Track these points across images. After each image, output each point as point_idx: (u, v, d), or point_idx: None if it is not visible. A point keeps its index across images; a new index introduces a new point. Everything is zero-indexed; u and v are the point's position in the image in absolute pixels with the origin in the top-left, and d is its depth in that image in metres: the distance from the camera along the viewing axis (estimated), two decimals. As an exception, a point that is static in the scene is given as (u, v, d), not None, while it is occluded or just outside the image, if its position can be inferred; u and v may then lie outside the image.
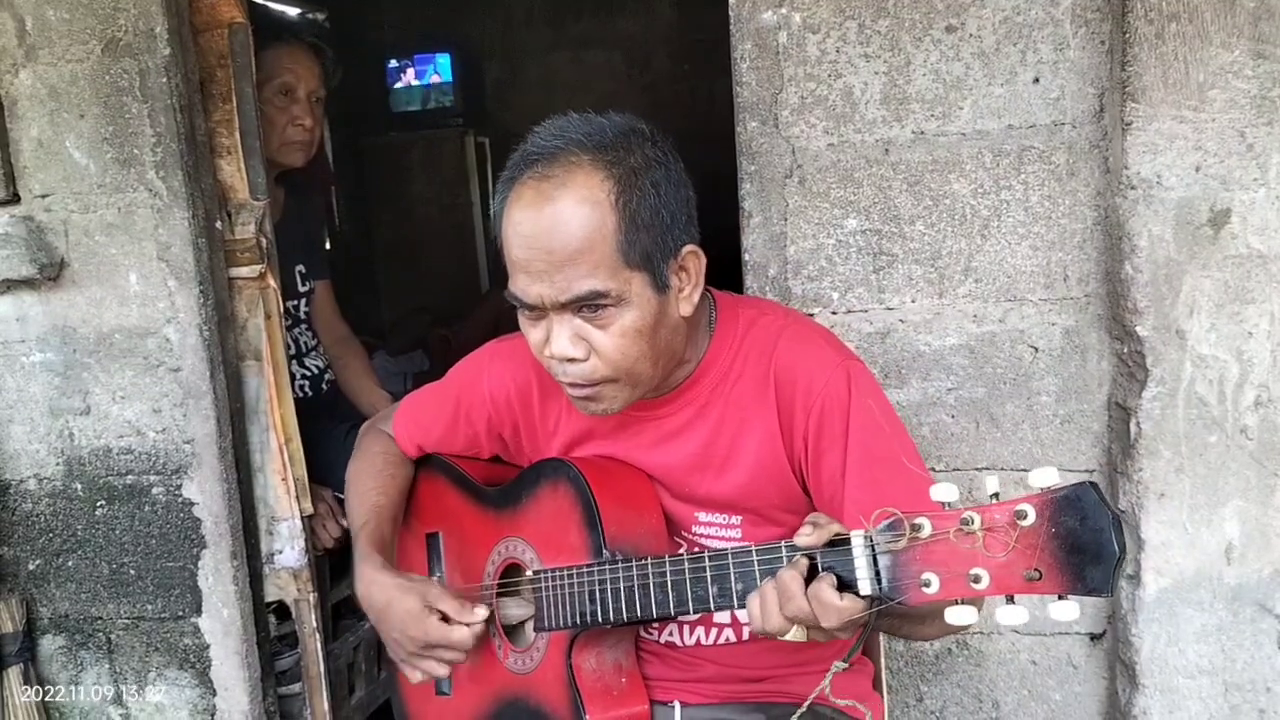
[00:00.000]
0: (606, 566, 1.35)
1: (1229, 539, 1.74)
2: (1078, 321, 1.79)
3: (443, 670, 1.42)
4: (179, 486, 2.09)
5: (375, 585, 1.45)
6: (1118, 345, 1.76)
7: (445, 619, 1.39)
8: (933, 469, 1.86)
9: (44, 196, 2.06)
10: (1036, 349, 1.81)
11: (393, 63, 5.23)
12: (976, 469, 1.84)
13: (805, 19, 1.77)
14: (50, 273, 2.05)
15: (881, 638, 1.65)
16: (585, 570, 1.37)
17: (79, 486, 2.14)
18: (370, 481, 1.62)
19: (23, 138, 2.05)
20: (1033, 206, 1.77)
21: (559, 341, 1.28)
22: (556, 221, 1.22)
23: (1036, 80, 1.74)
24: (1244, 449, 1.71)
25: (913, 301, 1.83)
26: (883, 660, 1.65)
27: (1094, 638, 1.89)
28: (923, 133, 1.77)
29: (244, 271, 2.14)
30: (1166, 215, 1.67)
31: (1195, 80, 1.63)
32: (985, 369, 1.82)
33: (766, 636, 1.15)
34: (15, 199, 2.06)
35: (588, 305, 1.25)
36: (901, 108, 1.77)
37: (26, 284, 2.07)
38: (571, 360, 1.29)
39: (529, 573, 1.48)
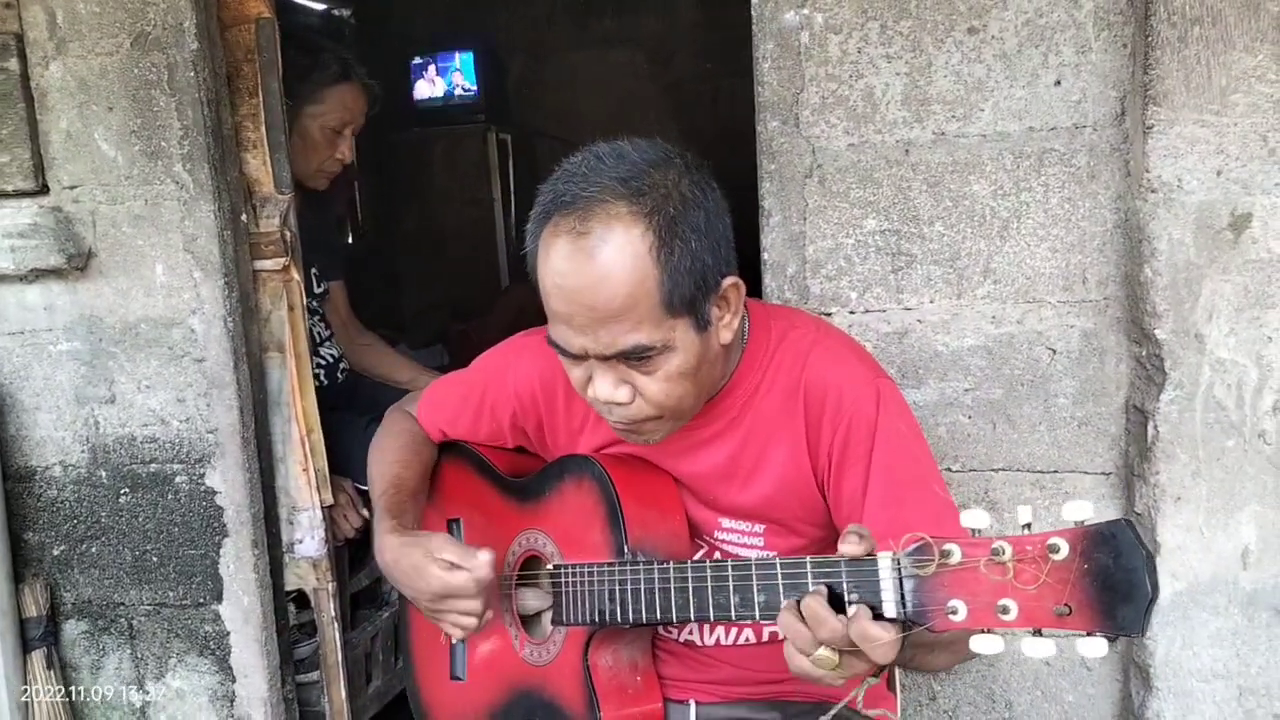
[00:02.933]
0: (628, 566, 1.35)
1: (1245, 543, 1.74)
2: (1096, 324, 1.79)
3: (467, 621, 1.38)
4: (202, 475, 2.12)
5: (386, 548, 1.46)
6: (1136, 348, 1.76)
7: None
8: (948, 470, 1.86)
9: (72, 188, 2.09)
10: (1054, 351, 1.81)
11: (416, 59, 5.26)
12: (993, 470, 1.84)
13: (827, 19, 1.78)
14: (78, 263, 2.08)
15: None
16: (606, 569, 1.38)
17: (103, 474, 2.17)
18: (393, 455, 1.63)
19: (52, 130, 2.08)
20: (1053, 209, 1.77)
21: (603, 388, 1.28)
22: (598, 279, 1.20)
23: (1058, 82, 1.74)
24: (1261, 454, 1.71)
25: (931, 302, 1.83)
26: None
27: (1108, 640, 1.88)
28: (943, 134, 1.78)
29: (268, 264, 2.17)
30: (1187, 219, 1.67)
31: (1217, 84, 1.63)
32: (1003, 370, 1.83)
33: (802, 668, 1.10)
34: (44, 190, 2.09)
35: (632, 356, 1.25)
36: (922, 109, 1.77)
37: (54, 274, 2.10)
38: (618, 404, 1.29)
39: (549, 567, 1.49)
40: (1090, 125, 1.74)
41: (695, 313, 1.25)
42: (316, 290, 2.59)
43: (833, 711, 1.25)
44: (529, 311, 1.60)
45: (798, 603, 1.09)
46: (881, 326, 1.84)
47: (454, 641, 1.50)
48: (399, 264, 5.34)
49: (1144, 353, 1.75)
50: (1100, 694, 1.90)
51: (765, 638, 1.48)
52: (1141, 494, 1.76)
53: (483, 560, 1.34)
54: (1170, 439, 1.73)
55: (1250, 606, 1.76)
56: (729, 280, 1.29)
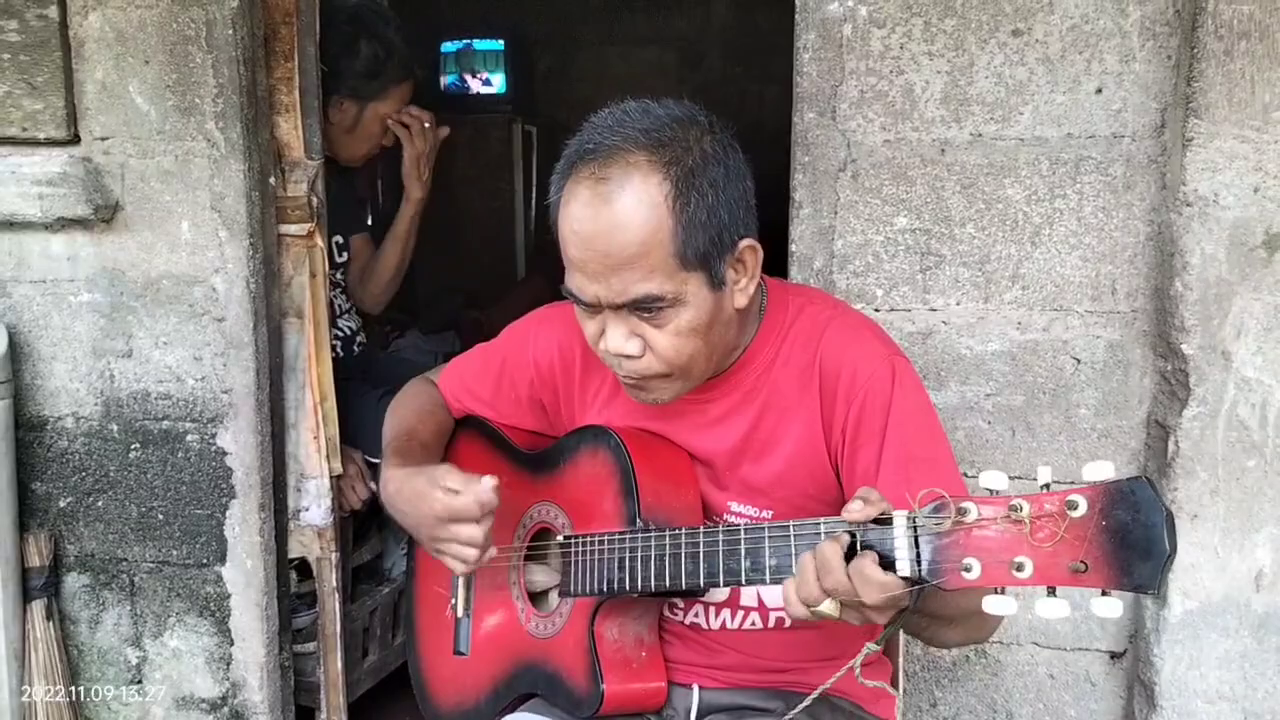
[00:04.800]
0: (639, 535, 1.35)
1: (1260, 565, 1.73)
2: (1123, 336, 1.78)
3: (469, 552, 1.36)
4: (214, 435, 2.11)
5: (390, 479, 1.46)
6: (1161, 363, 1.75)
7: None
8: (965, 474, 1.85)
9: (103, 139, 2.09)
10: (1079, 360, 1.80)
11: (446, 46, 5.25)
12: (1009, 477, 1.82)
13: (871, 13, 1.77)
14: (104, 214, 2.08)
15: (901, 638, 1.64)
16: (617, 537, 1.37)
17: (115, 428, 2.16)
18: (406, 410, 1.64)
19: (87, 80, 2.07)
20: (1086, 217, 1.76)
21: (614, 339, 1.29)
22: (613, 225, 1.22)
23: (1099, 90, 1.73)
24: (1282, 475, 1.70)
25: (957, 304, 1.82)
26: (901, 662, 1.64)
27: (1114, 656, 1.87)
28: (981, 135, 1.77)
29: (293, 229, 2.17)
30: (1221, 234, 1.66)
31: (1261, 100, 1.62)
32: (1025, 377, 1.82)
33: (800, 612, 1.12)
34: (75, 140, 2.09)
35: (644, 306, 1.26)
36: (961, 108, 1.77)
37: (80, 224, 2.10)
38: (627, 357, 1.30)
39: (560, 537, 1.48)
40: (1129, 135, 1.73)
41: (709, 269, 1.26)
42: (339, 260, 2.59)
43: (836, 676, 1.24)
44: (543, 302, 1.61)
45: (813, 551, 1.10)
46: (906, 326, 1.83)
47: (456, 574, 1.47)
48: (415, 248, 5.33)
49: (1169, 367, 1.73)
50: (1103, 710, 1.88)
51: (771, 623, 1.47)
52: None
53: (486, 484, 1.33)
54: (1191, 456, 1.72)
55: (1261, 629, 1.74)
56: (746, 242, 1.29)
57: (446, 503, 1.35)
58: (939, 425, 1.37)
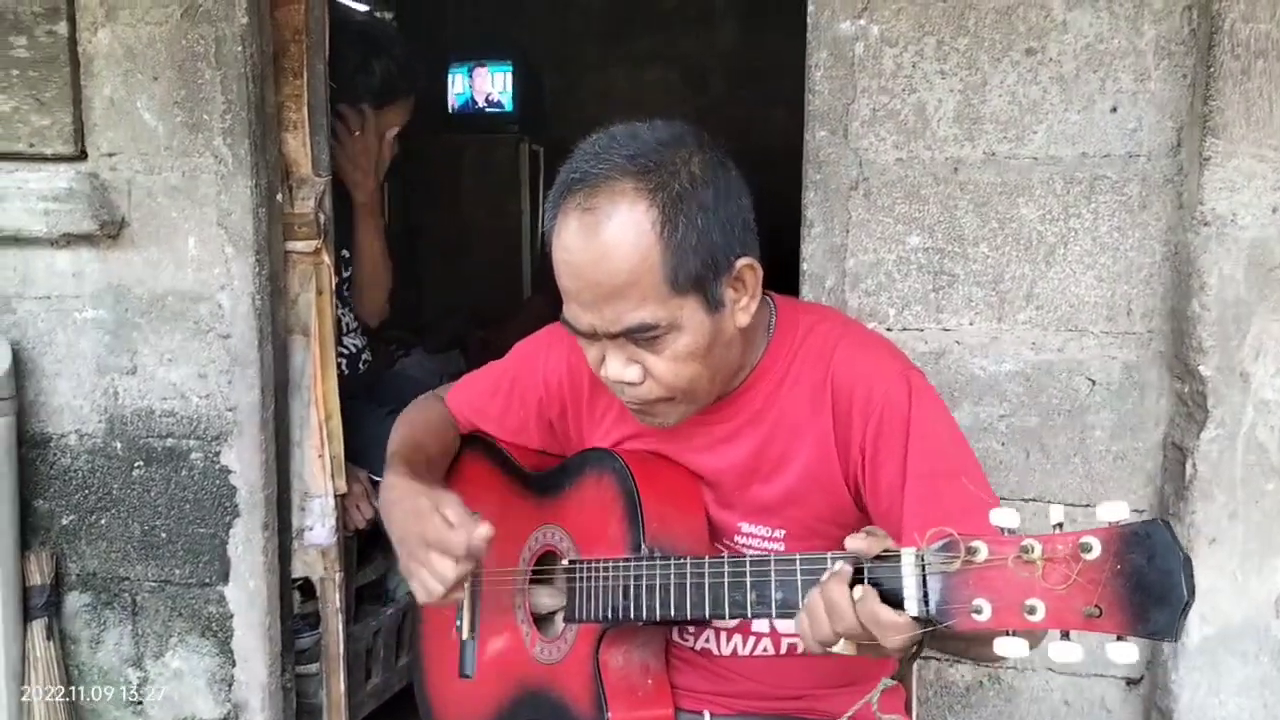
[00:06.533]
0: (644, 562, 1.32)
1: (1280, 590, 1.70)
2: (1139, 357, 1.76)
3: (435, 587, 1.33)
4: (218, 453, 2.10)
5: (394, 485, 1.45)
6: (1178, 384, 1.73)
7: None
8: (978, 496, 1.83)
9: (110, 155, 2.08)
10: (1094, 382, 1.77)
11: (454, 65, 5.27)
12: (1024, 499, 1.81)
13: (884, 31, 1.76)
14: (110, 230, 2.07)
15: (914, 666, 1.62)
16: (622, 564, 1.35)
17: (119, 445, 2.15)
18: (414, 426, 1.63)
19: (95, 96, 2.07)
20: (1101, 237, 1.74)
21: (613, 366, 1.28)
22: (601, 255, 1.21)
23: (1114, 109, 1.72)
24: (1302, 499, 1.68)
25: (970, 324, 1.80)
26: (914, 687, 1.62)
27: (1130, 682, 1.84)
28: (994, 154, 1.76)
29: (300, 246, 2.16)
30: (1239, 255, 1.64)
31: (1279, 119, 1.60)
32: (1040, 398, 1.80)
33: (816, 650, 1.11)
34: (82, 155, 2.09)
35: (639, 334, 1.25)
36: (974, 127, 1.75)
37: (86, 240, 2.09)
38: (628, 384, 1.29)
39: (564, 562, 1.46)
40: (1144, 154, 1.72)
41: (704, 292, 1.24)
42: (345, 274, 2.57)
43: (850, 712, 1.21)
44: (549, 322, 1.58)
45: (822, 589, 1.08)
46: (918, 345, 1.81)
47: (421, 602, 1.46)
48: (421, 266, 5.33)
49: (1186, 389, 1.71)
50: (1119, 737, 1.85)
51: (783, 649, 1.44)
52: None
53: (481, 532, 1.31)
54: (1209, 479, 1.69)
55: (1281, 656, 1.72)
56: (744, 261, 1.27)
57: (441, 534, 1.33)
58: (960, 435, 1.35)
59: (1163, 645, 1.76)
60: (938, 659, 1.91)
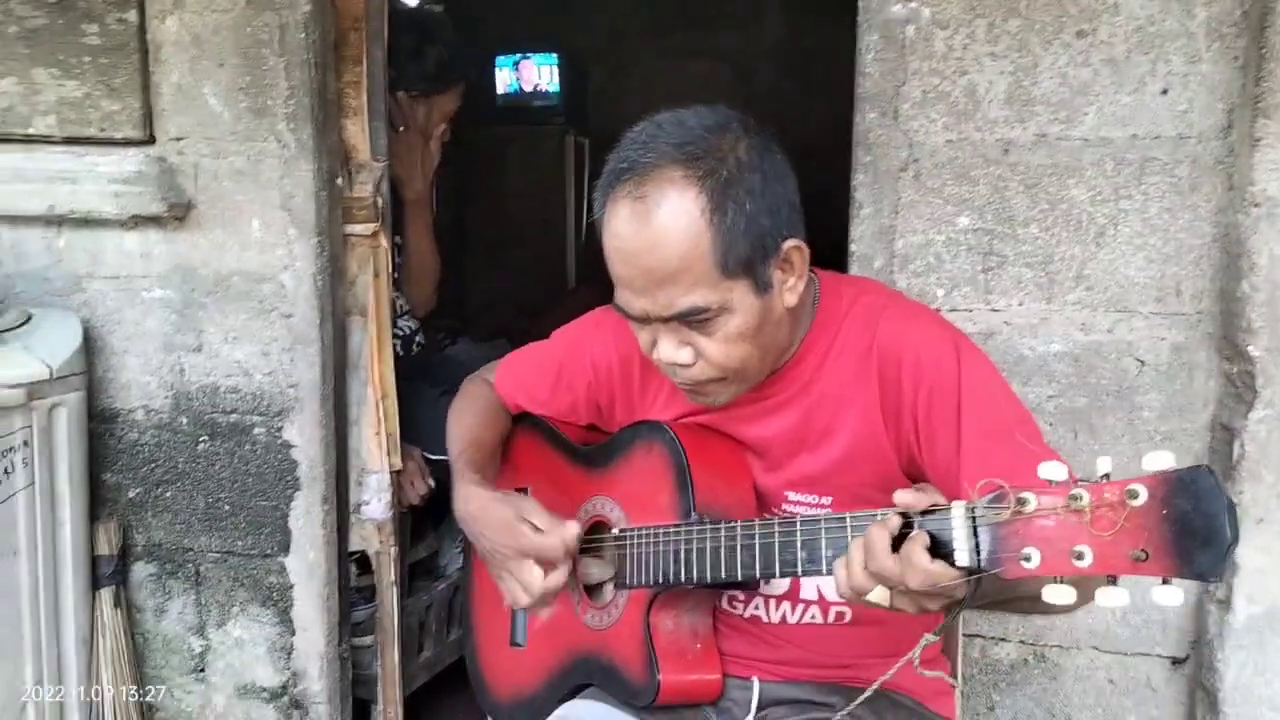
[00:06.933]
0: (694, 527, 1.36)
1: (1328, 571, 1.70)
2: (1187, 338, 1.77)
3: (541, 590, 1.40)
4: (280, 429, 2.16)
5: (472, 499, 1.49)
6: (1227, 365, 1.74)
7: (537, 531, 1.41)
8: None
9: (178, 139, 2.14)
10: (1143, 363, 1.79)
11: (501, 57, 5.32)
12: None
13: (934, 14, 1.78)
14: (178, 213, 2.13)
15: (959, 639, 1.64)
16: (672, 530, 1.39)
17: (184, 420, 2.21)
18: (471, 418, 1.66)
19: (163, 82, 2.13)
20: (1151, 218, 1.75)
21: (666, 349, 1.32)
22: (652, 242, 1.24)
23: (1165, 91, 1.73)
24: (1352, 480, 1.68)
25: (1020, 305, 1.82)
26: (959, 664, 1.64)
27: (1175, 662, 1.85)
28: (1044, 135, 1.77)
29: (358, 229, 2.21)
30: (1290, 235, 1.65)
31: (1332, 100, 1.61)
32: (1089, 379, 1.81)
33: (848, 595, 1.14)
34: (151, 140, 2.15)
35: (691, 317, 1.28)
36: (1025, 109, 1.77)
37: (154, 222, 2.15)
38: (681, 365, 1.32)
39: (614, 531, 1.50)
40: (1195, 136, 1.73)
41: (753, 275, 1.27)
42: (397, 260, 2.62)
43: (894, 669, 1.24)
44: None
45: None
46: (967, 326, 1.83)
47: (514, 606, 1.51)
48: (467, 257, 5.39)
49: (1235, 370, 1.72)
50: (1163, 716, 1.86)
51: (831, 618, 1.47)
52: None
53: (570, 530, 1.38)
54: (1257, 459, 1.70)
55: (1329, 637, 1.72)
56: (790, 243, 1.30)
57: (535, 541, 1.39)
58: (1010, 391, 1.37)
59: (1209, 624, 1.77)
60: (982, 637, 1.93)
